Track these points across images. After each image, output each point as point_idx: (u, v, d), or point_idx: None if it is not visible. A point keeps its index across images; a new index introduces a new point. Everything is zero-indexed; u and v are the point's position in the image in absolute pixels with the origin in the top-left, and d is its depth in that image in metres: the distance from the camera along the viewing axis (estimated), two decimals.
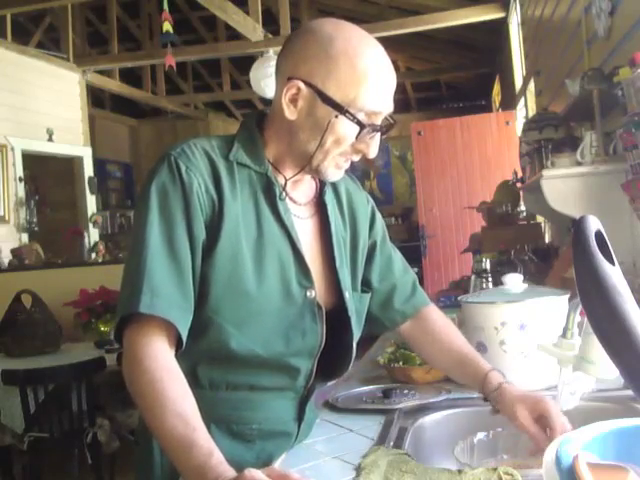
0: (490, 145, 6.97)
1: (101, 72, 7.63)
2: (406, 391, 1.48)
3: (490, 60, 8.26)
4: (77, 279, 4.19)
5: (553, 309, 1.45)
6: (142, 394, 0.95)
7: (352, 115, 1.05)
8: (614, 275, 0.84)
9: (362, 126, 1.06)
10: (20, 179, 6.24)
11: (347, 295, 1.19)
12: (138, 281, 0.98)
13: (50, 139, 6.63)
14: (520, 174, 3.90)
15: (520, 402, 1.13)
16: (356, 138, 1.07)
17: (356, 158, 1.12)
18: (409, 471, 1.01)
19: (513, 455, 1.15)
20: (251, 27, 6.06)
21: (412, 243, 7.74)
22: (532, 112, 5.26)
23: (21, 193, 6.25)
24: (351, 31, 1.08)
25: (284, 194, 1.13)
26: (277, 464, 1.10)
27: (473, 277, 2.79)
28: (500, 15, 6.27)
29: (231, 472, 0.83)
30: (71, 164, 7.17)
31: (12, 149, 6.16)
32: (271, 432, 1.16)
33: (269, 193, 1.12)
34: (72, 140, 7.03)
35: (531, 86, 5.47)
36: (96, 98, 9.24)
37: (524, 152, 3.34)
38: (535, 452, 1.09)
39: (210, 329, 1.07)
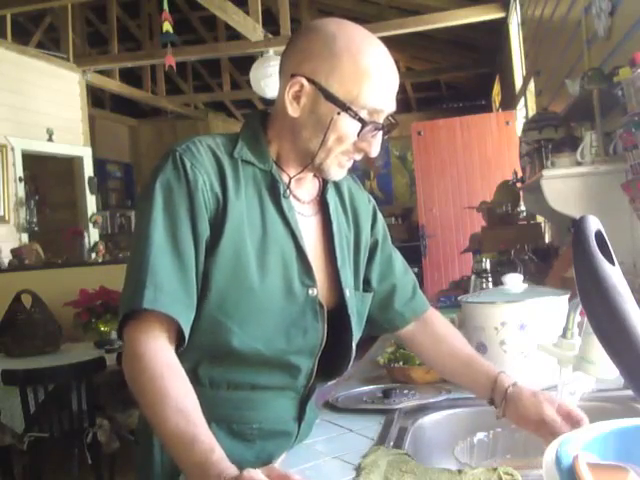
0: (490, 145, 6.97)
1: (101, 72, 7.63)
2: (406, 391, 1.48)
3: (490, 60, 8.26)
4: (77, 279, 4.18)
5: (553, 309, 1.45)
6: (143, 391, 0.95)
7: (354, 112, 1.05)
8: (614, 275, 0.84)
9: (364, 124, 1.06)
10: (20, 179, 6.24)
11: (347, 294, 1.19)
12: (141, 277, 0.98)
13: (50, 139, 6.62)
14: (520, 174, 3.90)
15: (544, 401, 1.11)
16: (358, 136, 1.07)
17: (358, 157, 1.12)
18: (409, 471, 1.01)
19: (513, 455, 1.15)
20: (251, 27, 6.06)
21: (412, 243, 7.74)
22: (532, 112, 5.26)
23: (21, 193, 6.25)
24: (354, 30, 1.08)
25: (288, 192, 1.13)
26: (277, 464, 1.10)
27: (473, 277, 2.79)
28: (500, 15, 6.27)
29: (233, 469, 0.84)
30: (71, 164, 7.17)
31: (12, 149, 6.16)
32: (271, 432, 1.15)
33: (273, 191, 1.12)
34: (72, 140, 7.03)
35: (531, 86, 5.47)
36: (96, 98, 9.24)
37: (524, 152, 3.34)
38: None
39: (212, 327, 1.07)
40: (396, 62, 1.12)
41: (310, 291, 1.13)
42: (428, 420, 1.36)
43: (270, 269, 1.09)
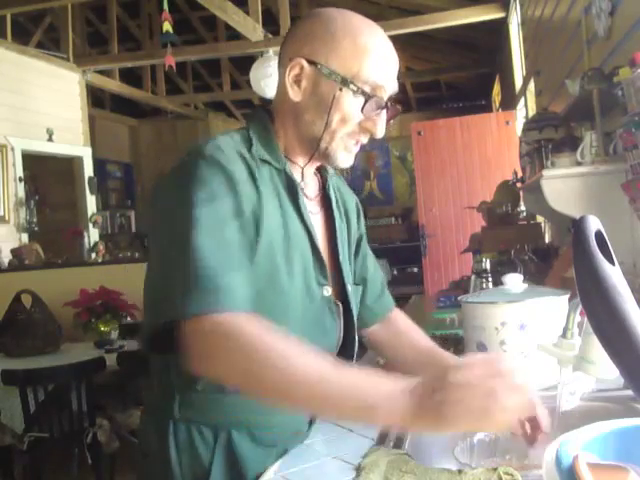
0: (490, 145, 6.97)
1: (101, 72, 7.62)
2: None
3: (490, 60, 8.26)
4: (77, 279, 4.19)
5: (553, 309, 1.44)
6: (260, 368, 0.85)
7: (356, 87, 1.04)
8: (614, 275, 0.84)
9: (367, 96, 1.05)
10: (20, 179, 6.23)
11: (349, 289, 1.19)
12: (203, 281, 0.91)
13: (50, 139, 6.62)
14: (520, 174, 3.90)
15: None
16: (362, 111, 1.06)
17: (365, 139, 1.11)
18: (409, 471, 1.01)
19: (513, 455, 1.15)
20: (251, 27, 6.06)
21: (412, 243, 7.73)
22: (532, 112, 5.26)
23: (21, 193, 6.24)
24: (352, 14, 1.09)
25: (302, 187, 1.12)
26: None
27: (473, 277, 2.79)
28: (500, 15, 6.27)
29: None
30: (71, 164, 7.16)
31: (12, 149, 6.16)
32: (289, 434, 1.15)
33: (290, 190, 1.11)
34: (72, 140, 7.03)
35: (531, 86, 5.46)
36: (96, 98, 9.24)
37: (524, 152, 3.34)
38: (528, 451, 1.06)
39: None
40: None
41: (325, 291, 1.13)
42: None
43: (295, 270, 1.08)
